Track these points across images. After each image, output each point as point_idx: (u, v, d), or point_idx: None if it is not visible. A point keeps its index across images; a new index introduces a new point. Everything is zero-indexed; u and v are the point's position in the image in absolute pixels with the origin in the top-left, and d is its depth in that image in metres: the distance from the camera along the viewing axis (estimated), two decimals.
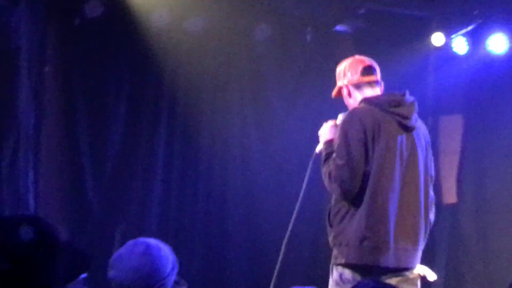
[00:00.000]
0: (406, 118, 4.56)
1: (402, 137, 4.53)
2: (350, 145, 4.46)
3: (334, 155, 4.52)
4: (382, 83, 4.77)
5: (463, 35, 7.92)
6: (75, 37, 7.29)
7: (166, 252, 3.53)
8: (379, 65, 7.58)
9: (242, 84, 8.12)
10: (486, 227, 8.13)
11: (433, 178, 4.72)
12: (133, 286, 3.41)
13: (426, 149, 4.68)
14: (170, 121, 7.68)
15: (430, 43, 7.95)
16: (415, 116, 4.63)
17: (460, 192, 8.31)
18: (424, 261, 8.24)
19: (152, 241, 3.54)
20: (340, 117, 4.72)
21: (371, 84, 4.70)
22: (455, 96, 8.40)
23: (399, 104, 4.59)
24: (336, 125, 4.70)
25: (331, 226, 4.62)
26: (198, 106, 7.85)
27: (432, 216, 4.71)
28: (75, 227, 7.05)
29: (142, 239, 3.58)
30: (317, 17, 8.11)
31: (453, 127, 8.43)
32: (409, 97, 4.67)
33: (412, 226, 4.53)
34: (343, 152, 4.46)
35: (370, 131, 4.47)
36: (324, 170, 4.57)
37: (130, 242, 3.58)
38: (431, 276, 4.73)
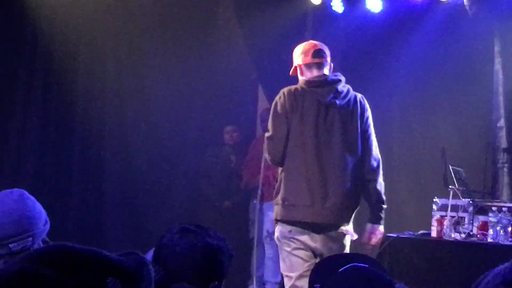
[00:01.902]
0: (323, 96, 5.23)
1: (319, 112, 5.21)
2: (274, 120, 5.21)
3: None
4: (332, 64, 5.45)
5: None
6: None
7: (40, 207, 3.42)
8: (259, 23, 7.62)
9: (117, 37, 8.00)
10: None
11: (365, 143, 5.30)
12: (1, 230, 3.25)
13: (351, 120, 5.28)
14: (46, 76, 7.51)
15: (308, 1, 7.98)
16: (334, 94, 5.27)
17: None
18: None
19: (28, 194, 3.42)
20: None
21: (318, 65, 5.33)
22: (332, 54, 8.48)
23: (319, 85, 5.26)
24: None
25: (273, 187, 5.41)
26: (73, 58, 7.70)
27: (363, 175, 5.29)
28: None
29: (18, 189, 3.45)
30: None
31: None
32: (332, 78, 5.34)
33: (329, 187, 5.16)
34: (269, 126, 5.24)
35: (290, 106, 5.18)
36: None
37: (6, 190, 3.43)
38: (354, 235, 5.30)
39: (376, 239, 5.35)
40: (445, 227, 6.11)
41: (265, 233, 7.99)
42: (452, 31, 7.67)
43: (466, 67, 7.62)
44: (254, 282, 8.10)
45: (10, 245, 3.22)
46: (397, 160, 8.06)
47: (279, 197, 5.19)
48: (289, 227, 5.14)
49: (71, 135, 7.75)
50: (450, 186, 6.40)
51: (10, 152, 7.30)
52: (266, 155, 5.30)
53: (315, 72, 5.31)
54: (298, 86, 5.27)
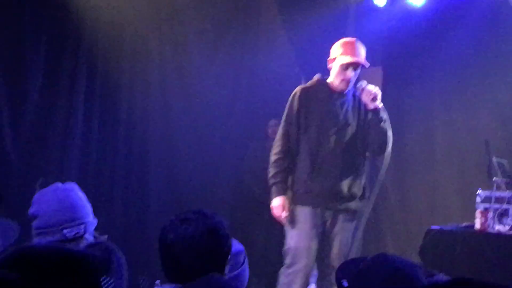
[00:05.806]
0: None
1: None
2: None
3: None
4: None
5: None
6: None
7: (89, 203, 3.50)
8: (301, 18, 7.63)
9: (162, 35, 8.04)
10: (404, 178, 8.30)
11: None
12: (54, 219, 3.31)
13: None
14: (90, 74, 7.54)
15: None
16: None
17: None
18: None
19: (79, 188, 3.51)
20: None
21: None
22: (375, 48, 8.49)
23: None
24: None
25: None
26: (117, 57, 7.74)
27: None
28: None
29: (71, 182, 3.53)
30: None
31: (372, 79, 8.52)
32: None
33: None
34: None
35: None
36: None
37: (58, 183, 3.51)
38: None
39: None
40: (489, 219, 6.10)
41: None
42: (495, 24, 7.63)
43: (509, 59, 7.57)
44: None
45: (64, 231, 3.30)
46: (441, 153, 8.04)
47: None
48: None
49: (115, 133, 7.80)
50: (494, 178, 6.39)
51: (54, 151, 7.37)
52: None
53: None
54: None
